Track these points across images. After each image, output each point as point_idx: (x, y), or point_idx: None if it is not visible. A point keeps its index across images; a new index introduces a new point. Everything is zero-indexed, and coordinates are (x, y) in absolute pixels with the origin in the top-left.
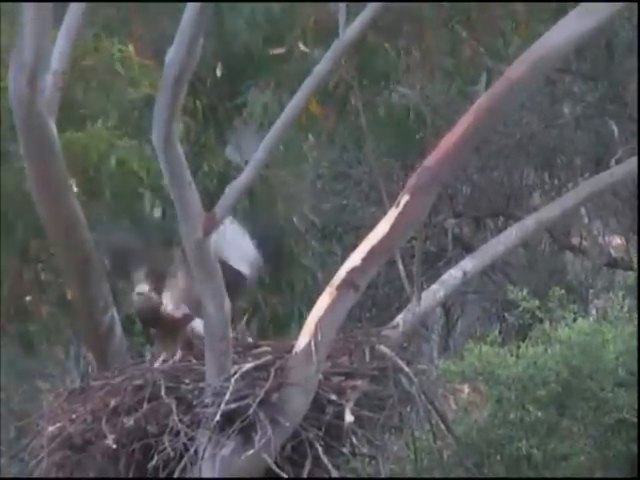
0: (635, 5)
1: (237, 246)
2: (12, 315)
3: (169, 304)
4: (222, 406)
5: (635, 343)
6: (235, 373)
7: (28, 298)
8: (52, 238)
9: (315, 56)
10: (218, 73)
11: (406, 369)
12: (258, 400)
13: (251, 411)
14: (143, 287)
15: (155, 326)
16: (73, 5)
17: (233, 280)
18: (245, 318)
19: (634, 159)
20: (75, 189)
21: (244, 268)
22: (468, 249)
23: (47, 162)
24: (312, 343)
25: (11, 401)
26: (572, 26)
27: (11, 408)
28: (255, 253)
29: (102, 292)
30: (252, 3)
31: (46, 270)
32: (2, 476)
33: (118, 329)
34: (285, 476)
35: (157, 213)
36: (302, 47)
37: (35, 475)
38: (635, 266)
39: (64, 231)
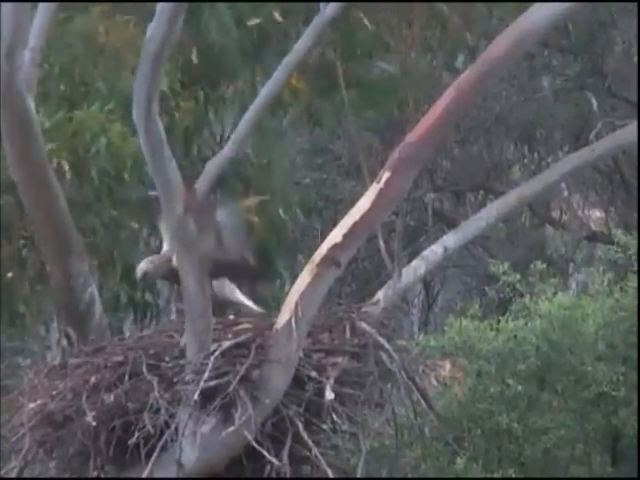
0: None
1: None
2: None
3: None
4: (202, 383)
5: (615, 317)
6: (215, 350)
7: (9, 275)
8: (31, 215)
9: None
10: (194, 59)
11: (387, 346)
12: (238, 377)
13: (231, 388)
14: (142, 265)
15: (174, 280)
16: None
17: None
18: None
19: (616, 134)
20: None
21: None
22: (448, 223)
23: (25, 138)
24: (292, 320)
25: None
26: (554, 2)
27: None
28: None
29: (82, 269)
30: None
31: (27, 247)
32: None
33: (98, 305)
34: (266, 453)
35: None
36: (277, 17)
37: (15, 452)
38: (615, 240)
39: (43, 207)
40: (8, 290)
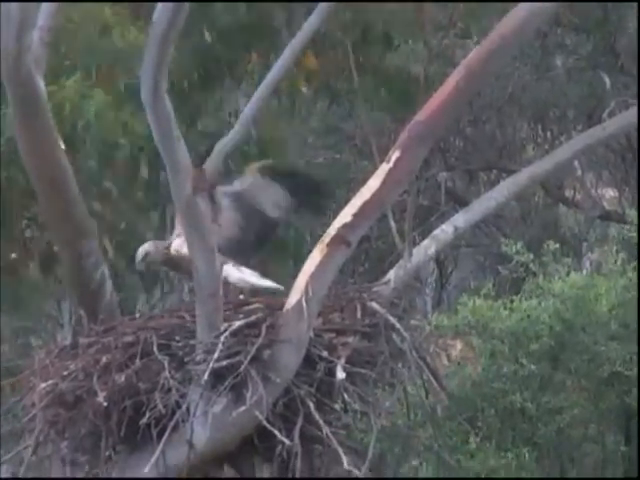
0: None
1: (267, 194)
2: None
3: (175, 244)
4: (213, 363)
5: (628, 296)
6: (226, 330)
7: (14, 255)
8: (40, 194)
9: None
10: (207, 38)
11: (397, 325)
12: (249, 357)
13: (242, 368)
14: (143, 247)
15: (174, 269)
16: None
17: (264, 226)
18: None
19: (627, 112)
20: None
21: (275, 212)
22: (461, 203)
23: (35, 117)
24: (303, 300)
25: (4, 356)
26: None
27: (3, 364)
28: (285, 196)
29: (92, 248)
30: None
31: (32, 227)
32: None
33: (109, 285)
34: (277, 433)
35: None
36: None
37: (27, 431)
38: (629, 219)
39: (52, 186)
40: (16, 270)
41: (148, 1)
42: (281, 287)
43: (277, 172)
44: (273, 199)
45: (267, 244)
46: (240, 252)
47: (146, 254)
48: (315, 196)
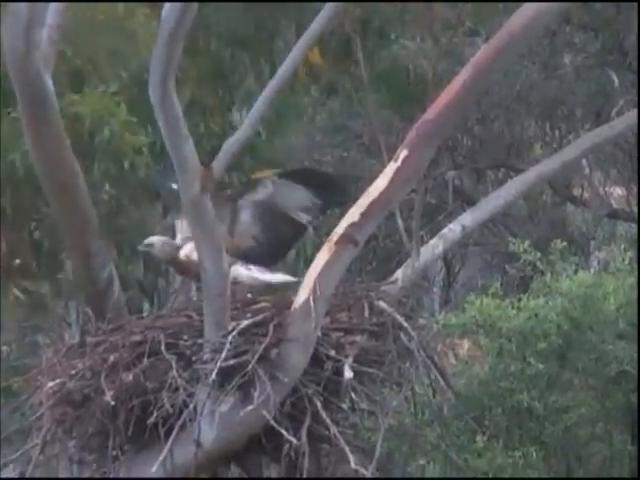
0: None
1: (292, 197)
2: (11, 272)
3: (191, 250)
4: (220, 362)
5: (636, 295)
6: (233, 329)
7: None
8: (49, 194)
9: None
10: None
11: (405, 324)
12: (257, 356)
13: (250, 367)
14: (152, 238)
15: (182, 272)
16: None
17: (292, 230)
18: None
19: (634, 111)
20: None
21: (301, 216)
22: (469, 201)
23: (44, 117)
24: (311, 299)
25: (12, 355)
26: None
27: (11, 363)
28: (311, 199)
29: (100, 248)
30: None
31: (39, 229)
32: (2, 430)
33: (116, 284)
34: (284, 432)
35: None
36: None
37: (34, 430)
38: (635, 217)
39: (62, 187)
40: (25, 270)
41: (158, 1)
42: (295, 278)
43: (298, 175)
44: (301, 203)
45: (295, 244)
46: (254, 262)
47: (151, 245)
48: (339, 193)
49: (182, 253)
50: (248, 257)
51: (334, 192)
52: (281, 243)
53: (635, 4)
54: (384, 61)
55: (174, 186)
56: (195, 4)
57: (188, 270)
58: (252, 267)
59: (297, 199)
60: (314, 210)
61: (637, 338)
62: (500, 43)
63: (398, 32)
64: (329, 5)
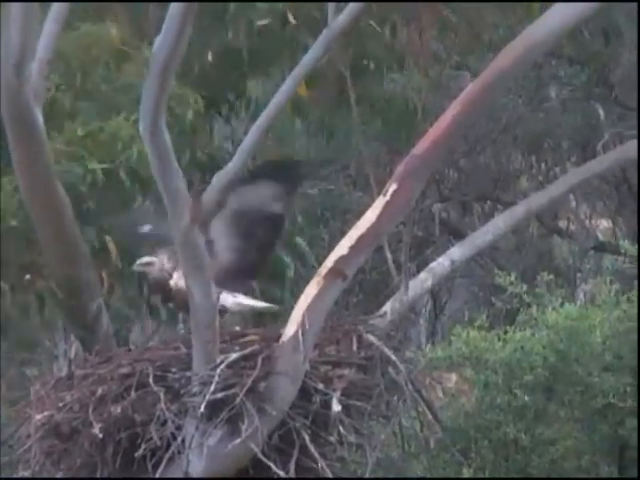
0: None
1: (266, 193)
2: None
3: (180, 279)
4: (209, 395)
5: (622, 327)
6: (222, 362)
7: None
8: (38, 226)
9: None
10: (209, 59)
11: (393, 358)
12: (245, 389)
13: (238, 400)
14: (146, 258)
15: (167, 299)
16: None
17: (271, 223)
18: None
19: (624, 146)
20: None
21: (275, 207)
22: (455, 234)
23: (33, 150)
24: (299, 332)
25: None
26: (564, 12)
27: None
28: (279, 187)
29: (89, 279)
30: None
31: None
32: None
33: (105, 316)
34: (272, 465)
35: None
36: (291, 18)
37: (22, 462)
38: (623, 250)
39: (50, 218)
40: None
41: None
42: (276, 306)
43: (260, 170)
44: (271, 194)
45: (278, 244)
46: (239, 277)
47: (149, 264)
48: (302, 175)
49: (171, 282)
50: (236, 272)
51: (297, 176)
52: (265, 242)
53: (620, 39)
54: (376, 94)
55: (145, 228)
56: (187, 34)
57: (174, 298)
58: (237, 295)
59: (266, 193)
60: (284, 198)
61: (623, 370)
62: (489, 79)
63: (388, 65)
64: (321, 38)
